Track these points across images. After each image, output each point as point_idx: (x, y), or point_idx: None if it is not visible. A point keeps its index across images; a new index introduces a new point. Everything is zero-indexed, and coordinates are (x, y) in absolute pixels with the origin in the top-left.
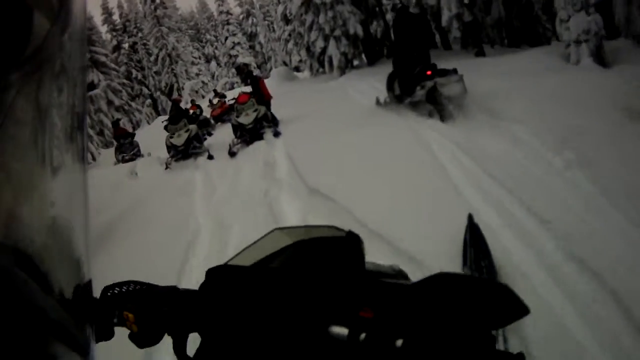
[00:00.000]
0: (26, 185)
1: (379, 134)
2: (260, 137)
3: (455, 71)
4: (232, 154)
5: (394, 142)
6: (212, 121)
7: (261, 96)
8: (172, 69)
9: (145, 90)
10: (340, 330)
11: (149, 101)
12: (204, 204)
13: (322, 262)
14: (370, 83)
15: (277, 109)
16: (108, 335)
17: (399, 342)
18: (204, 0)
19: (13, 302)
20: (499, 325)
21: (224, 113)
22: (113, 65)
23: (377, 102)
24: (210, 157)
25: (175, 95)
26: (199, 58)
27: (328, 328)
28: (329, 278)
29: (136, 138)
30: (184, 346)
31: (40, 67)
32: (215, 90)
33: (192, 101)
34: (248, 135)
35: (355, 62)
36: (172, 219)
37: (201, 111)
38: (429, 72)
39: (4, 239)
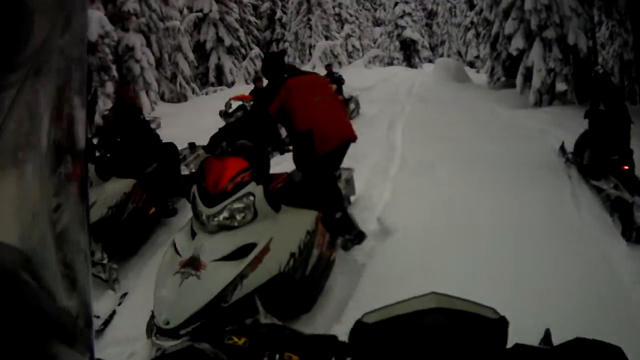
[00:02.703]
0: (27, 187)
1: None
2: None
3: None
4: None
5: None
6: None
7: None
8: (309, 19)
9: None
10: None
11: (255, 52)
12: None
13: (466, 341)
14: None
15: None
16: None
17: None
18: None
19: (16, 304)
20: None
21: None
22: None
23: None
24: None
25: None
26: (367, 20)
27: None
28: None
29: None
30: None
31: (41, 68)
32: (328, 67)
33: (327, 66)
34: None
35: (558, 88)
36: None
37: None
38: (625, 167)
39: (7, 241)
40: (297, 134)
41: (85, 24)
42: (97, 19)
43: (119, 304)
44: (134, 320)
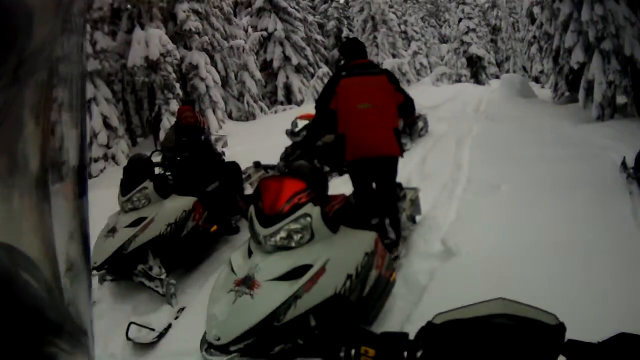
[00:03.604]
0: (27, 187)
1: None
2: None
3: None
4: None
5: None
6: None
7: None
8: (375, 37)
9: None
10: None
11: (323, 70)
12: None
13: (527, 345)
14: None
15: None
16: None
17: None
18: None
19: (14, 303)
20: None
21: None
22: (299, 15)
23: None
24: None
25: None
26: (433, 37)
27: None
28: None
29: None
30: None
31: (41, 68)
32: None
33: None
34: None
35: (618, 101)
36: None
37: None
38: None
39: (7, 241)
40: (336, 134)
41: (85, 25)
42: (157, 37)
43: (176, 318)
44: (189, 334)
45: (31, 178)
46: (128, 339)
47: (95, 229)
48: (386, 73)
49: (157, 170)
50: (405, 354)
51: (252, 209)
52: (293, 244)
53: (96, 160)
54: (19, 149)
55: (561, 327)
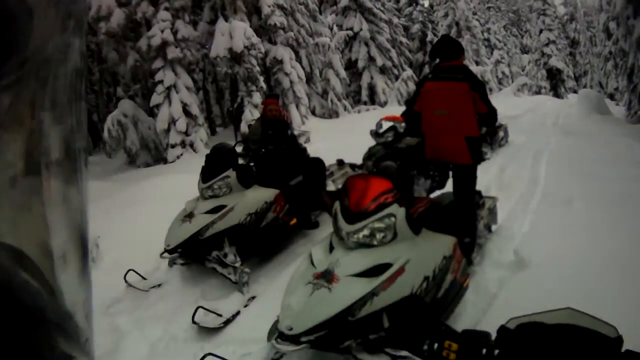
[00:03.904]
0: (27, 187)
1: None
2: None
3: None
4: None
5: None
6: None
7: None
8: None
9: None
10: None
11: (407, 73)
12: None
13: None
14: None
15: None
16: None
17: None
18: None
19: (14, 302)
20: None
21: None
22: (384, 16)
23: None
24: None
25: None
26: (515, 46)
27: None
28: None
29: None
30: None
31: (41, 68)
32: None
33: None
34: None
35: None
36: None
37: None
38: None
39: (7, 241)
40: (419, 136)
41: (85, 25)
42: (242, 30)
43: (245, 306)
44: (256, 323)
45: (30, 177)
46: (194, 322)
47: (168, 209)
48: (469, 80)
49: (240, 161)
50: (484, 351)
51: (337, 204)
52: (375, 242)
53: (173, 146)
54: (19, 148)
55: (619, 340)
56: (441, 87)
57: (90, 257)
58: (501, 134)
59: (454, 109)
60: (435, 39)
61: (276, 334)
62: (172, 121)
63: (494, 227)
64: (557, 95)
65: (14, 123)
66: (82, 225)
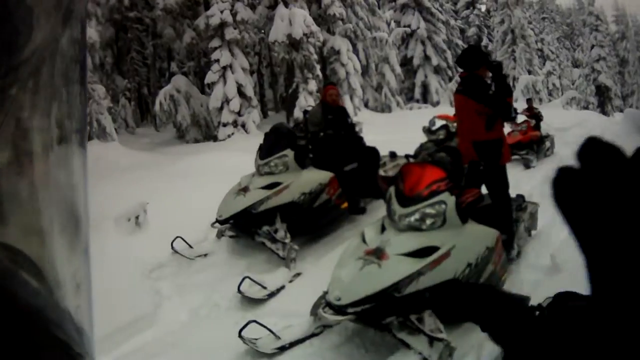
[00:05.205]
0: (27, 186)
1: None
2: None
3: None
4: None
5: None
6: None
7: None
8: (513, 51)
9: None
10: None
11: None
12: None
13: None
14: None
15: None
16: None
17: None
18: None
19: (13, 302)
20: None
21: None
22: (442, 17)
23: None
24: None
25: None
26: (567, 59)
27: None
28: None
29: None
30: None
31: (41, 68)
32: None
33: (529, 100)
34: None
35: None
36: None
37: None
38: None
39: (7, 241)
40: None
41: (85, 25)
42: (302, 17)
43: (290, 282)
44: (299, 298)
45: (31, 176)
46: (239, 291)
47: (218, 184)
48: (464, 92)
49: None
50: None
51: (392, 189)
52: (424, 227)
53: (225, 125)
54: (19, 147)
55: None
56: (456, 99)
57: (135, 221)
58: (547, 144)
59: (461, 118)
60: (490, 45)
61: (324, 303)
62: (226, 100)
63: (533, 232)
64: (604, 112)
65: (12, 123)
66: (83, 224)
